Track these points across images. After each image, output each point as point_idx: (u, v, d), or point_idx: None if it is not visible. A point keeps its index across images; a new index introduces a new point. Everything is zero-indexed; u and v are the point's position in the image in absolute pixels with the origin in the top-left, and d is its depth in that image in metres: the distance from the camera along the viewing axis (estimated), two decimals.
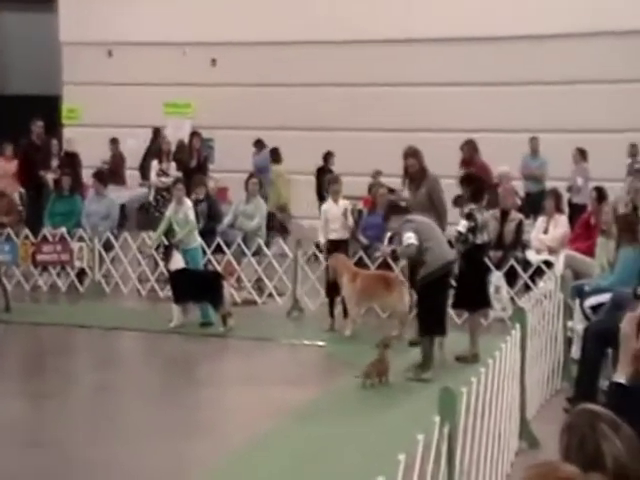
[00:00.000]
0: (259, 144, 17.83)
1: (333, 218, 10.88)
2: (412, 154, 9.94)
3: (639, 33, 16.93)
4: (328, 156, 16.79)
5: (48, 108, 19.58)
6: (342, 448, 6.74)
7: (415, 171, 9.89)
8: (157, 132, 17.03)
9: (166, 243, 11.65)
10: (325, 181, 11.78)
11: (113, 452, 6.73)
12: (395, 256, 9.09)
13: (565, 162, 15.73)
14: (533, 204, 14.15)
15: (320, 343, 9.99)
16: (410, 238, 8.43)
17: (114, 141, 18.64)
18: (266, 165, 17.42)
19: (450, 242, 9.09)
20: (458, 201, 9.60)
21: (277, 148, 17.81)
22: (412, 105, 18.57)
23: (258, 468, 6.38)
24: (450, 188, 11.39)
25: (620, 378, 3.60)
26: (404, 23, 18.62)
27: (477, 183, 9.64)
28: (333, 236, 10.83)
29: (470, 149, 13.33)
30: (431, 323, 8.54)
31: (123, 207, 15.60)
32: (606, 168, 15.54)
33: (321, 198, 13.26)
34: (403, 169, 10.03)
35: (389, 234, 11.21)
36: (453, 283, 9.28)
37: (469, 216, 9.25)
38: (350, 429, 7.14)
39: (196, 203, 12.18)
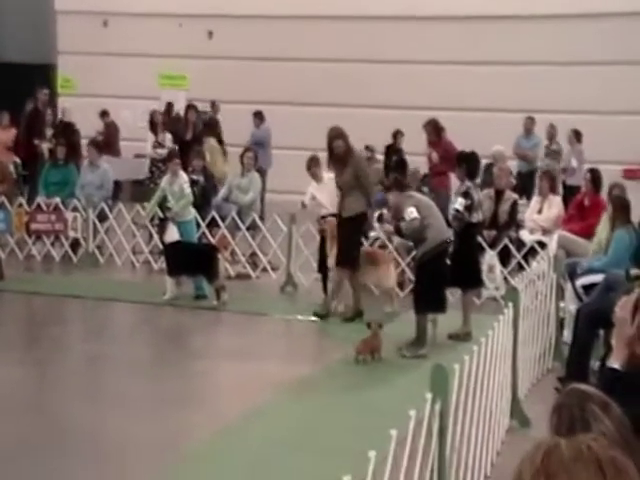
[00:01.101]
0: (259, 116, 17.62)
1: (321, 197, 10.95)
2: (338, 135, 9.95)
3: (636, 15, 16.90)
4: (397, 134, 16.25)
5: (43, 77, 19.48)
6: (334, 423, 6.80)
7: (342, 152, 9.90)
8: (170, 106, 16.90)
9: (161, 215, 11.64)
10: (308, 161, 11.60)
11: (105, 420, 6.79)
12: (399, 232, 9.09)
13: (561, 143, 15.73)
14: (524, 184, 14.20)
15: (314, 318, 10.03)
16: (413, 212, 8.50)
17: (104, 113, 18.52)
18: (266, 138, 17.28)
19: (447, 220, 9.11)
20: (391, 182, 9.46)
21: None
22: (410, 83, 18.54)
23: (249, 441, 6.44)
24: None
25: (614, 363, 3.64)
26: (407, 1, 18.54)
27: (471, 161, 9.63)
28: (324, 212, 10.88)
29: (432, 129, 13.13)
30: (428, 300, 8.59)
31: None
32: (600, 150, 15.57)
33: (386, 175, 13.13)
34: (328, 150, 10.04)
35: (377, 213, 11.26)
36: (448, 262, 9.32)
37: (466, 194, 9.27)
38: (342, 404, 7.20)
39: (192, 179, 12.11)
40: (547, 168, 13.83)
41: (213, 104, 17.78)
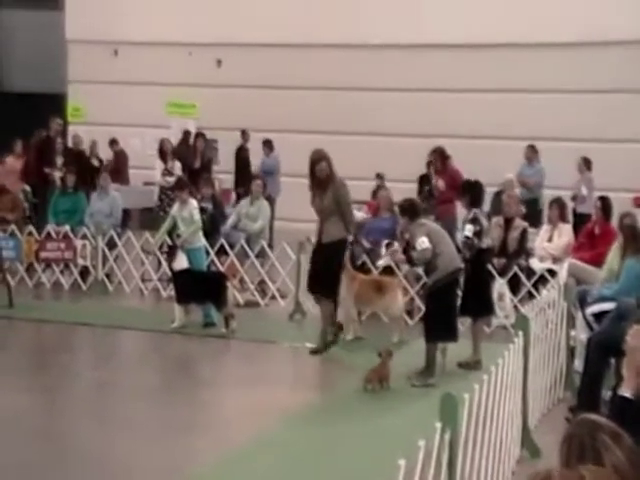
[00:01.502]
0: (268, 145, 17.72)
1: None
2: (322, 158, 9.69)
3: None
4: (430, 164, 16.15)
5: (53, 106, 19.62)
6: (342, 451, 6.75)
7: (325, 175, 9.68)
8: (187, 134, 17.00)
9: (170, 242, 11.65)
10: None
11: (113, 447, 6.76)
12: (411, 261, 9.07)
13: (570, 171, 15.72)
14: (526, 212, 14.15)
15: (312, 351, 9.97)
16: (424, 242, 8.44)
17: (113, 142, 18.66)
18: (275, 167, 17.37)
19: (458, 248, 9.08)
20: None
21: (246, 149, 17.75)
22: (416, 111, 18.60)
23: (256, 467, 6.39)
24: None
25: (625, 392, 3.61)
26: (412, 28, 18.65)
27: (475, 190, 9.61)
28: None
29: (438, 157, 13.05)
30: (439, 329, 8.54)
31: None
32: (610, 178, 15.56)
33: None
34: (310, 173, 9.76)
35: (386, 242, 11.22)
36: (459, 291, 9.27)
37: (474, 220, 9.24)
38: (350, 433, 7.14)
39: (201, 206, 12.11)
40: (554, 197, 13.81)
41: (243, 133, 17.85)
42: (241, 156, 16.98)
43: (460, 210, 10.98)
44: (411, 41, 18.62)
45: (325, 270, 9.62)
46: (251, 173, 16.96)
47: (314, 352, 9.58)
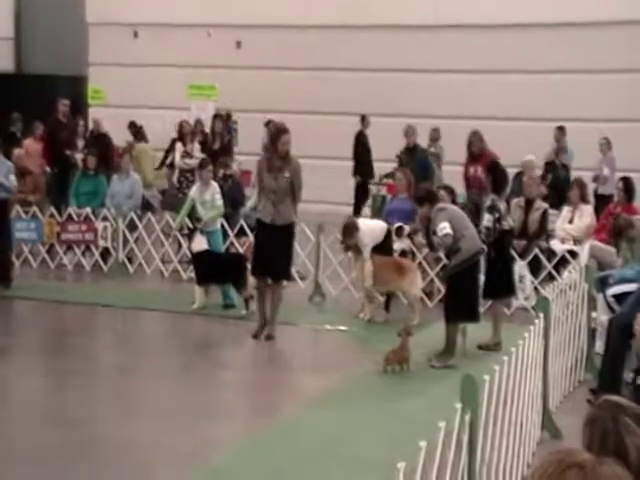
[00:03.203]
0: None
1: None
2: (287, 130, 9.06)
3: None
4: (560, 149, 15.24)
5: (74, 88, 19.68)
6: (363, 434, 6.75)
7: (286, 151, 9.08)
8: (228, 116, 16.90)
9: (189, 225, 11.67)
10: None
11: (133, 431, 6.78)
12: (432, 246, 9.05)
13: (590, 152, 15.60)
14: (558, 193, 14.03)
15: (342, 328, 9.99)
16: (445, 228, 8.37)
17: (132, 125, 18.67)
18: None
19: (479, 232, 9.03)
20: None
21: (141, 126, 17.53)
22: (435, 92, 18.49)
23: (277, 451, 6.40)
24: None
25: None
26: (430, 9, 18.51)
27: (500, 174, 9.56)
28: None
29: (478, 141, 12.24)
30: (460, 310, 8.51)
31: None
32: (633, 158, 15.41)
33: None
34: (271, 145, 9.12)
35: (396, 225, 11.15)
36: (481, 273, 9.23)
37: (492, 209, 9.19)
38: (371, 415, 7.15)
39: (220, 185, 12.12)
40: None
41: (363, 118, 17.09)
42: (360, 141, 16.60)
43: None
44: (435, 22, 18.48)
45: (281, 254, 9.37)
46: (371, 159, 16.66)
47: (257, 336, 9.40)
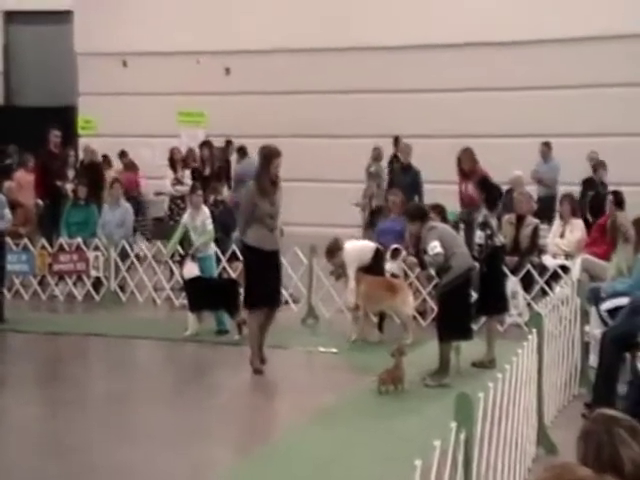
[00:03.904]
0: (241, 152, 17.50)
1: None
2: (280, 154, 8.94)
3: None
4: (598, 166, 15.13)
5: (64, 119, 19.70)
6: (358, 454, 6.71)
7: (277, 174, 8.96)
8: (229, 143, 16.88)
9: (181, 251, 11.66)
10: None
11: (130, 458, 6.73)
12: (423, 265, 9.06)
13: (582, 167, 15.66)
14: (543, 209, 14.10)
15: (335, 350, 9.96)
16: (436, 247, 8.36)
17: (123, 154, 18.75)
18: (247, 173, 17.18)
19: (471, 247, 9.04)
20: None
21: (106, 155, 17.55)
22: (426, 112, 18.56)
23: (273, 473, 6.36)
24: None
25: None
26: (417, 29, 18.62)
27: (493, 190, 9.59)
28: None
29: (469, 158, 11.78)
30: (452, 328, 8.49)
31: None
32: (623, 172, 15.47)
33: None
34: (262, 170, 8.92)
35: (393, 247, 11.18)
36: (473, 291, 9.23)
37: (484, 225, 9.21)
38: (366, 435, 7.11)
39: (212, 210, 12.14)
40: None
41: (396, 139, 16.95)
42: (393, 163, 16.55)
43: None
44: (418, 42, 18.58)
45: (280, 279, 9.34)
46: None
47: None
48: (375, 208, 15.20)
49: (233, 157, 17.80)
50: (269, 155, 8.93)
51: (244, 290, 9.40)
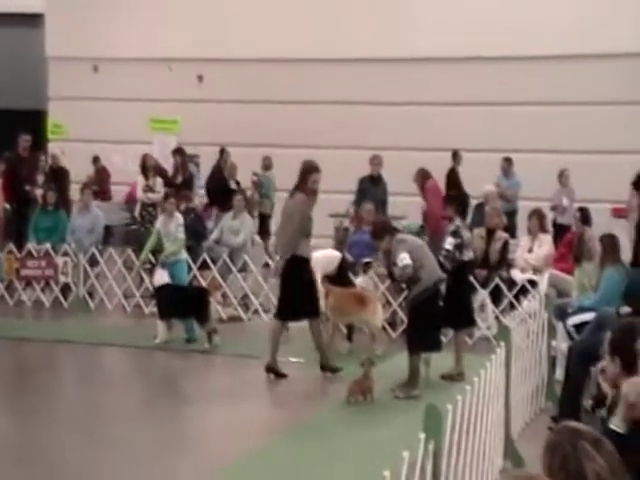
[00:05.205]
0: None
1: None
2: (318, 168, 9.21)
3: (627, 56, 17.12)
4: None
5: (34, 123, 19.54)
6: (327, 465, 6.75)
7: (315, 190, 9.26)
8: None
9: (152, 259, 11.63)
10: None
11: (99, 468, 6.72)
12: (392, 277, 9.12)
13: (549, 182, 15.86)
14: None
15: (305, 360, 9.98)
16: (405, 259, 8.45)
17: (96, 159, 18.66)
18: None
19: (439, 260, 9.12)
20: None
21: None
22: (401, 124, 18.65)
23: None
24: None
25: (618, 426, 3.71)
26: (401, 42, 18.69)
27: (460, 200, 9.72)
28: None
29: (417, 177, 13.38)
30: (422, 340, 8.57)
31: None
32: (590, 189, 15.70)
33: None
34: (301, 183, 9.19)
35: (364, 261, 11.25)
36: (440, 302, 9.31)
37: (455, 233, 9.32)
38: (335, 446, 7.15)
39: (184, 218, 12.12)
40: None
41: (455, 154, 16.55)
42: (452, 179, 16.01)
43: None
44: (396, 55, 18.67)
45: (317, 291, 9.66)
46: (465, 193, 15.56)
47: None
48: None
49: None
50: (306, 170, 9.22)
51: (281, 300, 9.45)
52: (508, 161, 16.10)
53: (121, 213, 16.86)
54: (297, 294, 9.22)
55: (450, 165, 16.33)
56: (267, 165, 16.81)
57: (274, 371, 9.27)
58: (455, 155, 16.49)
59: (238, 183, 15.53)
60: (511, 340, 6.68)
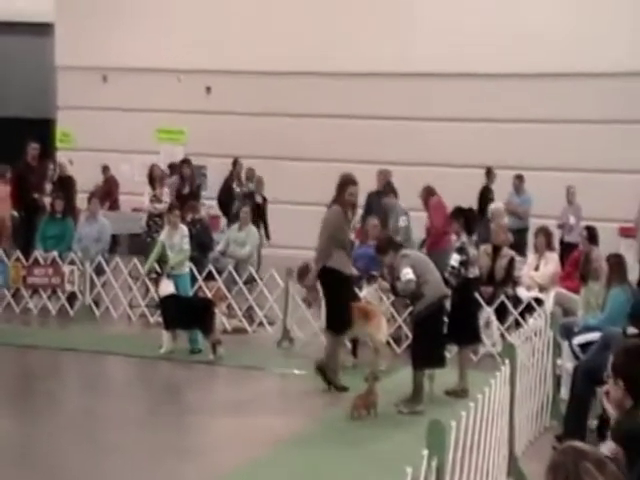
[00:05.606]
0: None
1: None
2: (355, 181, 9.36)
3: (632, 75, 17.17)
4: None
5: (42, 132, 19.65)
6: (330, 479, 6.73)
7: (354, 203, 9.53)
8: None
9: (157, 269, 11.65)
10: None
11: (101, 474, 6.74)
12: (395, 292, 9.13)
13: (556, 200, 15.87)
14: (515, 241, 14.23)
15: (309, 372, 9.97)
16: (408, 274, 8.46)
17: (105, 169, 18.74)
18: None
19: (443, 277, 9.13)
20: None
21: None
22: (405, 139, 18.71)
23: None
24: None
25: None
26: (396, 57, 18.80)
27: (468, 215, 9.69)
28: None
29: (422, 193, 13.37)
30: (426, 356, 8.57)
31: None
32: (597, 208, 15.71)
33: None
34: (339, 196, 9.32)
35: (368, 275, 11.25)
36: (445, 318, 9.31)
37: (461, 250, 9.31)
38: (338, 460, 7.14)
39: (189, 229, 12.15)
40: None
41: (488, 171, 16.64)
42: (485, 196, 15.97)
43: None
44: (398, 70, 18.76)
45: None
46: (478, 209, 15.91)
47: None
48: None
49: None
50: (343, 182, 9.33)
51: (328, 314, 9.46)
52: (519, 178, 16.11)
53: (128, 222, 16.89)
54: (330, 306, 9.35)
55: (484, 182, 16.35)
56: (250, 175, 16.58)
57: (334, 384, 9.24)
58: (489, 172, 16.51)
59: (265, 198, 15.56)
60: (516, 358, 6.67)
